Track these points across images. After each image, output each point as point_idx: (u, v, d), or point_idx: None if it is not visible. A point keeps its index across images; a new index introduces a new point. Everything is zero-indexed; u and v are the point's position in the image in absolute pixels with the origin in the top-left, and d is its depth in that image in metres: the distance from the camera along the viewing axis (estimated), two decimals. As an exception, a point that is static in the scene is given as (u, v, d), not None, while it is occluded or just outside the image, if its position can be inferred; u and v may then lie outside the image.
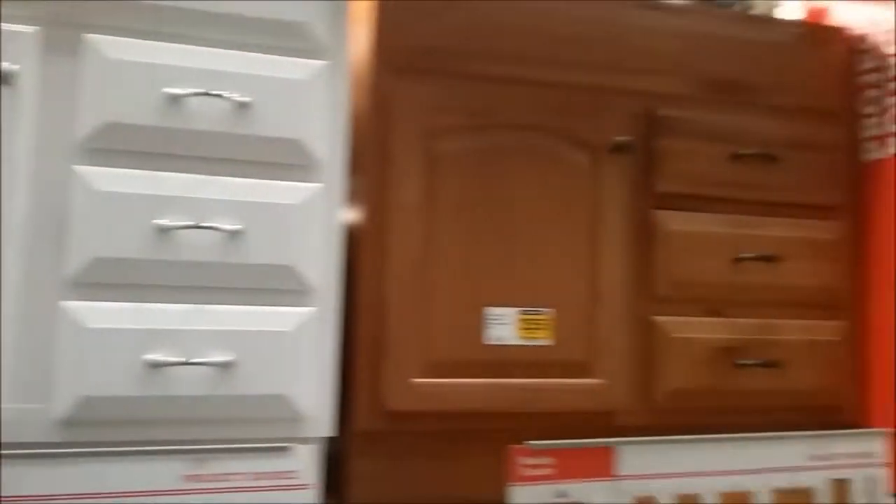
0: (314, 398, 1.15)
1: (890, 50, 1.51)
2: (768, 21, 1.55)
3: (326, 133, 1.18)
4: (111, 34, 1.10)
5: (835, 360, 1.47)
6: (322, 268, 1.16)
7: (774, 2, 1.80)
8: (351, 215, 1.35)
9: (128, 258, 1.08)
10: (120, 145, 1.10)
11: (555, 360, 1.32)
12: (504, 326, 1.30)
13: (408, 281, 1.26)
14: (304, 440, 1.09)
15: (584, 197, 1.36)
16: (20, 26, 1.07)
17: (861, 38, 1.57)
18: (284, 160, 1.15)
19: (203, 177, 1.12)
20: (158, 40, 1.12)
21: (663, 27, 1.45)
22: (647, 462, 1.09)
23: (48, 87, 1.08)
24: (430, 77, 1.32)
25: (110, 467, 0.98)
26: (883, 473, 1.20)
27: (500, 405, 1.29)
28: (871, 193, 1.53)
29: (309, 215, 1.15)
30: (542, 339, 1.32)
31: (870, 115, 1.54)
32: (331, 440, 1.27)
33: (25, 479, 0.94)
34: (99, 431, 1.05)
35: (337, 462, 1.30)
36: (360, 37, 1.36)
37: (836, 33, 1.58)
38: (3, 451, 0.95)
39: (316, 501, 1.11)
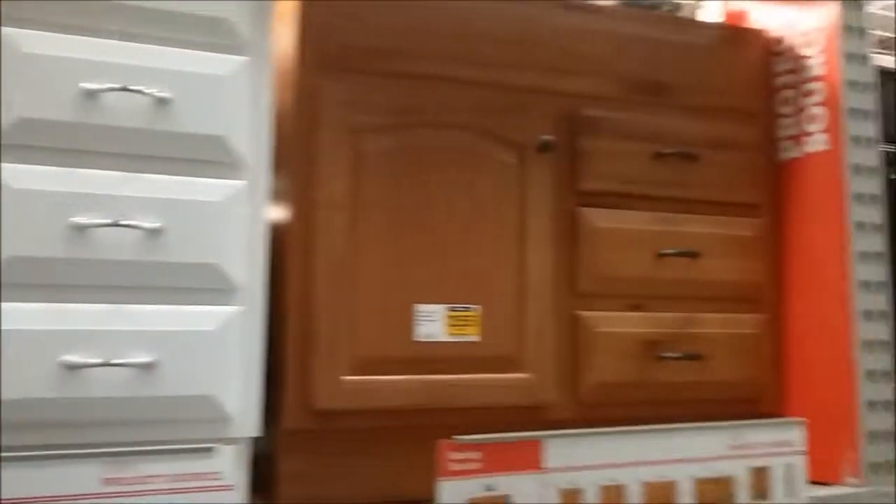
0: (240, 398, 1.13)
1: (805, 52, 1.56)
2: (689, 23, 1.59)
3: (249, 130, 1.17)
4: (27, 27, 1.07)
5: (754, 353, 1.52)
6: (247, 266, 1.15)
7: (698, 3, 1.85)
8: (277, 213, 1.34)
9: (45, 257, 1.05)
10: (36, 141, 1.07)
11: (483, 355, 1.33)
12: (433, 323, 1.31)
13: (335, 279, 1.26)
14: (231, 441, 1.08)
15: (510, 195, 1.38)
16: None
17: (778, 41, 1.63)
18: (206, 157, 1.14)
19: (123, 174, 1.09)
20: (76, 34, 1.10)
21: (588, 28, 1.48)
22: (573, 454, 1.11)
23: (-41, 81, 1.05)
24: (356, 75, 1.32)
25: (28, 471, 0.95)
26: (801, 461, 1.24)
27: (429, 401, 1.29)
28: (788, 191, 1.58)
29: (232, 213, 1.14)
30: (471, 336, 1.33)
31: (786, 116, 1.60)
32: (261, 440, 1.25)
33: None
34: (16, 435, 1.02)
35: (267, 462, 1.29)
36: (284, 33, 1.35)
37: (754, 36, 1.62)
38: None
39: (241, 502, 1.10)
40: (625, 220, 1.45)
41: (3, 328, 1.02)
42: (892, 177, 1.63)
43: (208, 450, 1.02)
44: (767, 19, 1.66)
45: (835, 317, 1.46)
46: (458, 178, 1.35)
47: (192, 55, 1.14)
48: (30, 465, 0.95)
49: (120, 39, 1.12)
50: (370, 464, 1.29)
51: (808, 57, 1.55)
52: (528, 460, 1.09)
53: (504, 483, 1.06)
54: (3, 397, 1.02)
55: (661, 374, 1.44)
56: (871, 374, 1.42)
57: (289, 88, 1.31)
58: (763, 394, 1.53)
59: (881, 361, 1.43)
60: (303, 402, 1.24)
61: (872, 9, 2.51)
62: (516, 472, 1.07)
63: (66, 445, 1.00)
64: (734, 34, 1.61)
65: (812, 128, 1.53)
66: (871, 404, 1.41)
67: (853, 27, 1.50)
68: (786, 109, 1.60)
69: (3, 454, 0.94)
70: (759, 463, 1.22)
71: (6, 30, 1.06)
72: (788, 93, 1.59)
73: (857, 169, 1.47)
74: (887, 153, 1.60)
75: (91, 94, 1.08)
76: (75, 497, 0.95)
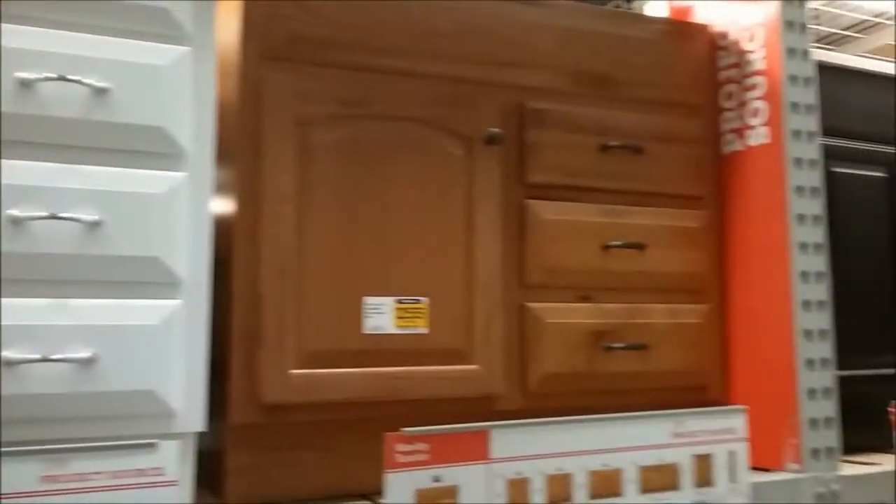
0: (184, 393, 1.12)
1: (747, 47, 1.59)
2: (636, 18, 1.60)
3: (192, 121, 1.15)
4: (-43, 15, 1.05)
5: (699, 342, 1.55)
6: (190, 259, 1.13)
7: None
8: (223, 205, 1.32)
9: (-21, 251, 1.02)
10: (-31, 133, 1.04)
11: (432, 347, 1.33)
12: (381, 316, 1.31)
13: (282, 272, 1.25)
14: (175, 436, 1.07)
15: (459, 187, 1.38)
16: None
17: (722, 35, 1.65)
18: (147, 148, 1.12)
19: (60, 165, 1.07)
20: (9, 23, 1.07)
21: (536, 22, 1.49)
22: (520, 444, 1.12)
23: None
24: (302, 66, 1.31)
25: (-38, 471, 0.93)
26: (743, 448, 1.26)
27: (378, 394, 1.29)
28: (732, 184, 1.61)
29: (174, 205, 1.12)
30: (419, 328, 1.33)
31: (730, 109, 1.62)
32: (208, 435, 1.24)
33: None
34: (-50, 434, 1.00)
35: (215, 457, 1.28)
36: (229, 23, 1.34)
37: (698, 30, 1.65)
38: None
39: (185, 498, 1.09)
40: (572, 213, 1.47)
41: (-65, 324, 1.00)
42: (832, 169, 1.67)
43: (150, 445, 1.00)
44: (712, 14, 1.69)
45: (776, 306, 1.49)
46: (406, 171, 1.35)
47: (131, 45, 1.12)
48: (-35, 463, 0.93)
49: (57, 28, 1.09)
50: (319, 457, 1.29)
51: (751, 52, 1.58)
52: (476, 451, 1.09)
53: (452, 474, 1.06)
54: (-64, 395, 0.99)
55: (608, 365, 1.46)
56: (811, 363, 1.45)
57: (234, 79, 1.29)
58: (708, 382, 1.56)
59: (821, 350, 1.47)
60: (250, 396, 1.23)
61: (815, 4, 2.57)
62: (464, 463, 1.08)
63: (3, 443, 0.98)
64: (679, 29, 1.63)
65: (754, 121, 1.56)
66: (812, 392, 1.45)
67: (794, 23, 1.53)
68: (729, 103, 1.62)
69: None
70: (703, 450, 1.24)
71: (-63, 17, 1.03)
72: (731, 87, 1.62)
73: (798, 162, 1.50)
74: (827, 146, 1.64)
75: (27, 84, 1.05)
76: (13, 496, 0.93)
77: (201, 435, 1.15)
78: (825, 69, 1.68)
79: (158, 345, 1.10)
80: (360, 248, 1.31)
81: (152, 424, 1.09)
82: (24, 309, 1.04)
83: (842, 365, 1.55)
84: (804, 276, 1.47)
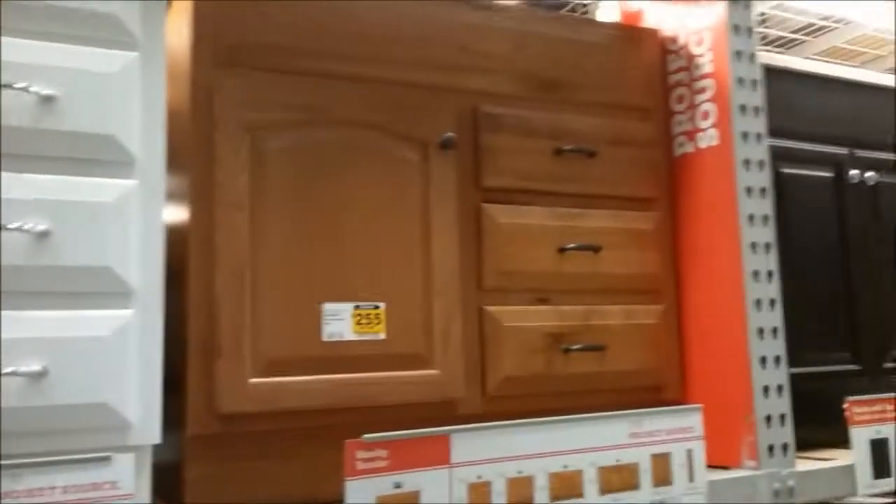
0: (139, 404, 1.10)
1: (697, 50, 1.62)
2: (587, 23, 1.62)
3: (142, 128, 1.13)
4: None
5: (655, 343, 1.57)
6: (143, 268, 1.11)
7: (596, 3, 1.89)
8: (175, 213, 1.30)
9: (-77, 264, 1.00)
10: (-89, 142, 1.01)
11: (391, 353, 1.33)
12: (339, 322, 1.30)
13: (238, 280, 1.24)
14: (131, 449, 1.05)
15: (414, 192, 1.38)
16: None
17: (671, 39, 1.68)
18: (96, 156, 1.09)
19: (7, 174, 1.04)
20: (-47, 30, 1.05)
21: (489, 26, 1.50)
22: (481, 448, 1.12)
23: None
24: (254, 72, 1.30)
25: None
26: (700, 446, 1.28)
27: (338, 401, 1.28)
28: (683, 185, 1.63)
29: (125, 213, 1.10)
30: (378, 334, 1.33)
31: (680, 112, 1.65)
32: (166, 447, 1.22)
33: None
34: None
35: (173, 469, 1.26)
36: (179, 29, 1.32)
37: (649, 35, 1.67)
38: None
39: (142, 511, 1.07)
40: (527, 216, 1.48)
41: None
42: (781, 170, 1.71)
43: (105, 459, 0.98)
44: (662, 19, 1.71)
45: (729, 306, 1.51)
46: (362, 176, 1.35)
47: (78, 51, 1.10)
48: (-90, 482, 0.90)
49: (2, 35, 1.07)
50: (279, 466, 1.28)
51: (699, 55, 1.61)
52: (437, 456, 1.09)
53: (413, 480, 1.06)
54: None
55: (567, 367, 1.47)
56: (764, 361, 1.48)
57: (185, 85, 1.28)
58: (665, 382, 1.58)
59: (774, 348, 1.49)
60: (207, 406, 1.21)
61: (763, 8, 2.62)
62: (425, 469, 1.08)
63: (-49, 460, 0.96)
64: (630, 34, 1.65)
65: (704, 124, 1.59)
66: (766, 389, 1.47)
67: (740, 26, 1.56)
68: (680, 106, 1.65)
69: None
70: (661, 450, 1.26)
71: None
72: (682, 90, 1.65)
73: (747, 163, 1.53)
74: (775, 148, 1.67)
75: (-30, 92, 1.03)
76: (-39, 514, 0.91)
77: (158, 446, 1.13)
78: (773, 72, 1.71)
79: (112, 356, 1.08)
80: (317, 255, 1.30)
81: (107, 437, 1.07)
82: (-30, 322, 1.02)
83: (794, 362, 1.57)
84: (755, 275, 1.50)
